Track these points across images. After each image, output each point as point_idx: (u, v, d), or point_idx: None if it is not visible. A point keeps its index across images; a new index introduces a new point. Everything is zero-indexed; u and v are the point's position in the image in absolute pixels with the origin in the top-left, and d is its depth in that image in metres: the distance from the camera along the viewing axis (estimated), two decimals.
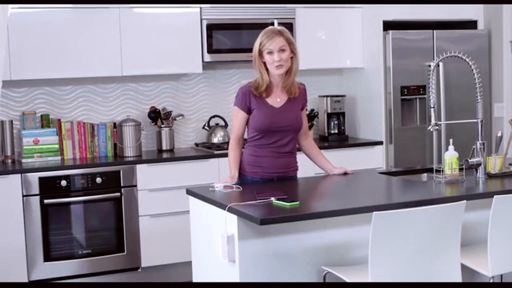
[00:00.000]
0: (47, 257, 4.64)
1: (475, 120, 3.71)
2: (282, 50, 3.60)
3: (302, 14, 5.47)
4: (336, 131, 5.74)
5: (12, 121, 4.98)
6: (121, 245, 4.82)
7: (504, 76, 5.74)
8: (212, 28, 5.19)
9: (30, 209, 4.58)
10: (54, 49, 4.85)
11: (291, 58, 3.65)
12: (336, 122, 5.73)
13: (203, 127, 5.54)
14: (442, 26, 5.64)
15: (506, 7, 5.67)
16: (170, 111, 5.33)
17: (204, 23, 5.17)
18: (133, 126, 5.09)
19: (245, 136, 3.81)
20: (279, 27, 3.73)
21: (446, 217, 2.86)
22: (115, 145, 5.17)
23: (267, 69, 3.66)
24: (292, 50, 3.65)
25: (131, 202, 4.82)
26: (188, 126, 5.56)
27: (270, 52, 3.60)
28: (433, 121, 3.71)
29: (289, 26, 5.18)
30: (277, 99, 3.70)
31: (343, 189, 3.65)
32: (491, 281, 3.10)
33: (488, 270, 3.06)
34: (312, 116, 5.65)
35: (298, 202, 3.08)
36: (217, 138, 5.44)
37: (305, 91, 3.82)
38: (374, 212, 2.72)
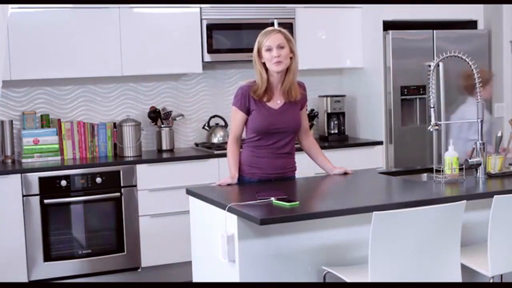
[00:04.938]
0: (47, 257, 4.64)
1: (475, 120, 3.71)
2: (281, 47, 3.56)
3: (302, 14, 5.46)
4: (336, 131, 5.74)
5: (12, 121, 4.98)
6: (121, 245, 4.82)
7: (504, 76, 5.74)
8: (212, 28, 5.19)
9: (30, 209, 4.58)
10: (54, 49, 4.85)
11: (291, 58, 3.61)
12: (336, 122, 5.73)
13: (203, 127, 5.53)
14: (442, 26, 5.64)
15: (506, 7, 5.67)
16: (170, 111, 5.33)
17: (204, 23, 5.17)
18: (133, 126, 5.09)
19: (243, 136, 3.79)
20: (278, 27, 3.70)
21: (446, 217, 2.86)
22: (115, 145, 5.17)
23: (266, 69, 3.61)
24: (291, 48, 3.61)
25: (131, 202, 4.82)
26: (188, 126, 5.56)
27: (269, 49, 3.56)
28: (433, 121, 3.71)
29: (289, 26, 5.18)
30: (276, 101, 3.68)
31: (343, 189, 3.64)
32: (491, 281, 3.10)
33: (488, 270, 3.06)
34: (312, 116, 5.66)
35: (298, 202, 3.08)
36: (217, 138, 5.44)
37: (305, 89, 3.78)
38: (374, 212, 2.72)
